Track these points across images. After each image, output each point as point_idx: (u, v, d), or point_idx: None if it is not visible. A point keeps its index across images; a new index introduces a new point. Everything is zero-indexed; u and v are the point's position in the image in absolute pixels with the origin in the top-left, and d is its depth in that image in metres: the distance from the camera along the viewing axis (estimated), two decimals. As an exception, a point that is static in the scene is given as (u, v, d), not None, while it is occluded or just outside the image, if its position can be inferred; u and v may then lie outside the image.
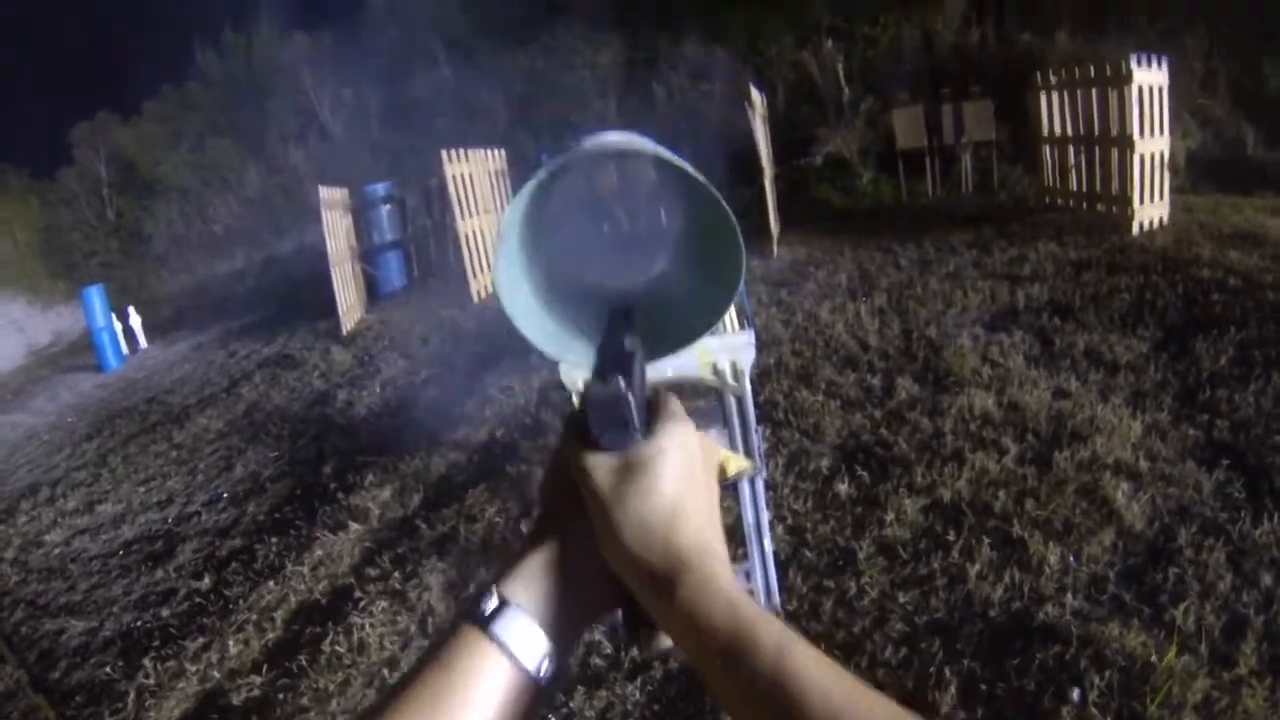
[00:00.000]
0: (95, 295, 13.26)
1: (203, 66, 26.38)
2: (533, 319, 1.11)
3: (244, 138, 18.92)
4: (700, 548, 0.50)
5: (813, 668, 0.42)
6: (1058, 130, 7.39)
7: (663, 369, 2.00)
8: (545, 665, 0.50)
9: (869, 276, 6.26)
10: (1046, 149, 7.63)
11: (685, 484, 0.53)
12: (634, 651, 2.62)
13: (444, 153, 7.88)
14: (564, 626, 0.52)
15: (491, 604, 0.50)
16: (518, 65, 15.53)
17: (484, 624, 0.49)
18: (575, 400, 2.62)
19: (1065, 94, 7.19)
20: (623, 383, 0.54)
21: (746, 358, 2.16)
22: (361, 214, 9.86)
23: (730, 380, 2.17)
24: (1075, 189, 7.25)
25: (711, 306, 1.12)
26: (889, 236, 7.34)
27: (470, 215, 8.08)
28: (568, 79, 14.92)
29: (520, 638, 0.49)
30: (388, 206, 10.07)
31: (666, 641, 0.53)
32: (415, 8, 17.05)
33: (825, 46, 11.85)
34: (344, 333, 8.28)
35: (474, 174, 8.34)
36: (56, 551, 5.14)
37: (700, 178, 1.10)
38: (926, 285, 5.71)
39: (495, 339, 6.63)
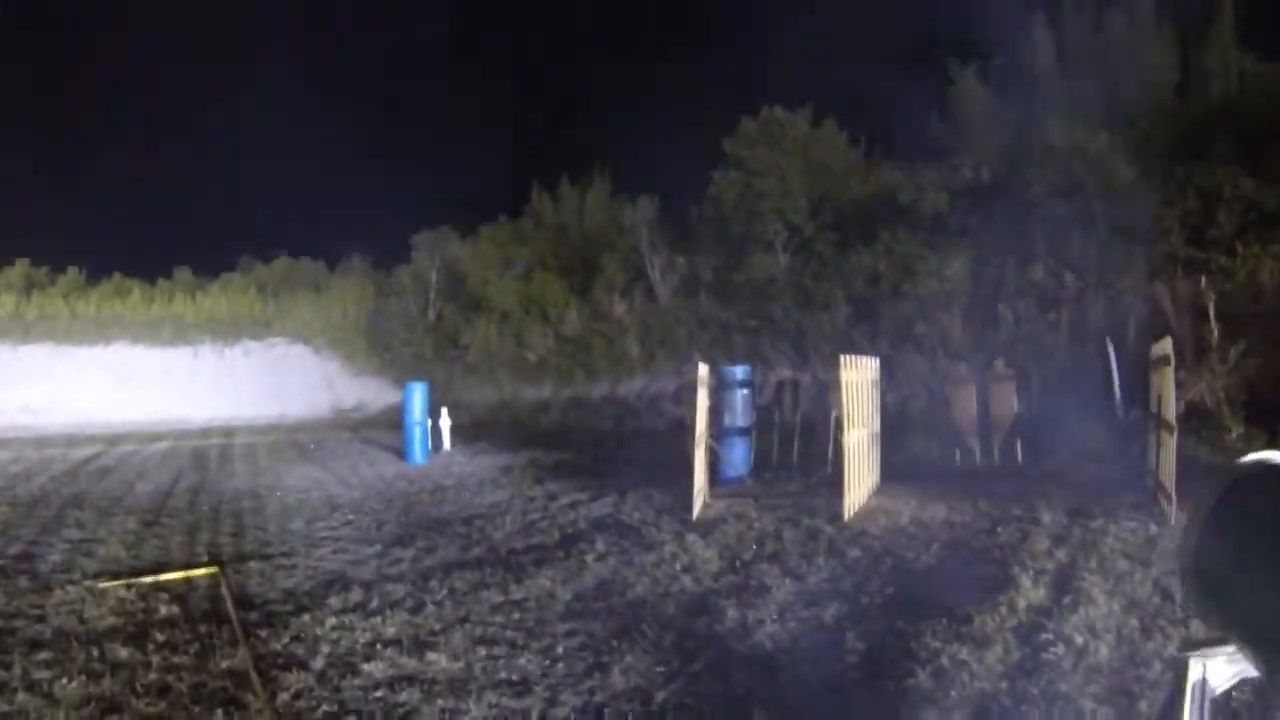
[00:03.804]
0: (418, 391, 13.97)
1: (537, 207, 29.94)
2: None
3: (570, 279, 20.26)
4: None
5: None
6: None
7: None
8: None
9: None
10: None
11: None
12: None
13: (842, 357, 7.33)
14: None
15: None
16: (860, 263, 15.32)
17: None
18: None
19: None
20: None
21: None
22: (715, 393, 9.56)
23: None
24: None
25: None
26: None
27: (855, 426, 7.34)
28: (909, 285, 14.47)
29: None
30: (744, 391, 9.73)
31: None
32: (760, 194, 17.70)
33: (1178, 278, 10.83)
34: (693, 517, 7.69)
35: (861, 382, 7.67)
36: (379, 694, 4.38)
37: None
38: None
39: (905, 579, 5.58)
